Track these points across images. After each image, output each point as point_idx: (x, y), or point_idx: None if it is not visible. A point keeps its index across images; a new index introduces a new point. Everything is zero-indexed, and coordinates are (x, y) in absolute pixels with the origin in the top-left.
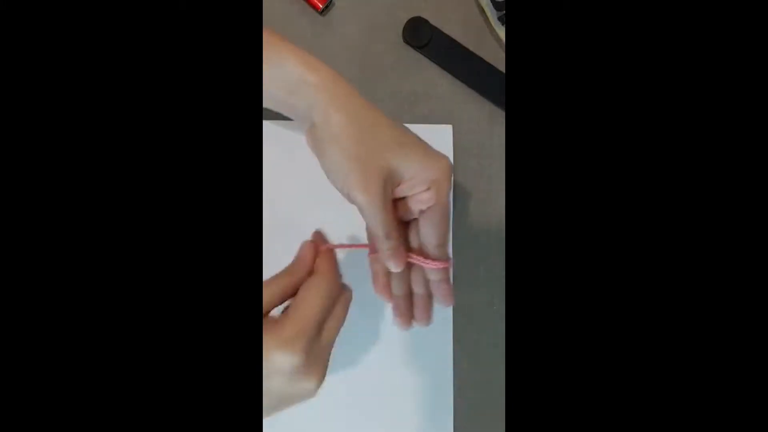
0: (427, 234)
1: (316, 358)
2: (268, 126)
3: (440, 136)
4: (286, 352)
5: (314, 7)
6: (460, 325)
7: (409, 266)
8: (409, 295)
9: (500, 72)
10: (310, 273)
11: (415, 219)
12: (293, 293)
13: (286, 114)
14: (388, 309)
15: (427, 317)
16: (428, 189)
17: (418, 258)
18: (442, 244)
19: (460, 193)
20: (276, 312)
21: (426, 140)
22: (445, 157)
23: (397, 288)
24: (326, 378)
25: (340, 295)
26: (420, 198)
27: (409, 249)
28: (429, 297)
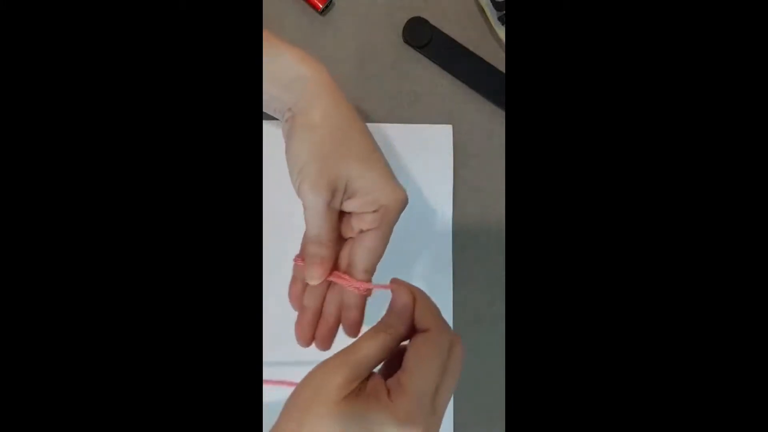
0: (358, 255)
1: (435, 423)
2: (268, 126)
3: (440, 136)
4: (404, 428)
5: (314, 7)
6: (460, 325)
7: (328, 285)
8: (318, 312)
9: (500, 72)
10: (411, 326)
11: (352, 238)
12: (395, 350)
13: (272, 113)
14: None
15: (328, 342)
16: (375, 212)
17: (341, 275)
18: (368, 271)
19: (460, 193)
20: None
21: (426, 140)
22: (403, 192)
23: (309, 300)
24: None
25: (452, 348)
26: (364, 218)
27: (335, 267)
28: (336, 322)
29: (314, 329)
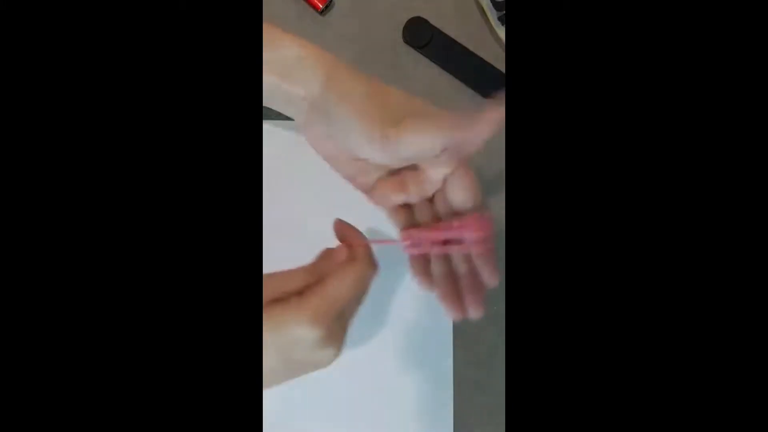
0: (456, 200)
1: (339, 331)
2: (268, 126)
3: None
4: (311, 326)
5: (314, 7)
6: (460, 325)
7: (445, 251)
8: (453, 278)
9: (500, 72)
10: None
11: (440, 191)
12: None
13: (277, 107)
14: (389, 309)
15: (480, 302)
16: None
17: (452, 225)
18: (478, 207)
19: None
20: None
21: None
22: (462, 115)
23: (438, 270)
24: (326, 377)
25: (371, 278)
26: (436, 163)
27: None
28: (476, 277)
29: (461, 299)
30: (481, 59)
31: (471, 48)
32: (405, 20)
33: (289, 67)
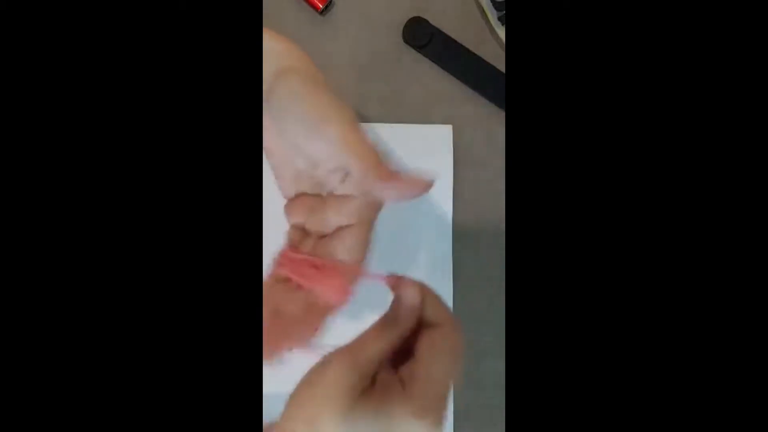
0: (339, 253)
1: (443, 410)
2: None
3: (440, 136)
4: (420, 420)
5: (314, 7)
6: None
7: (301, 286)
8: (284, 312)
9: (500, 72)
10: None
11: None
12: (400, 344)
13: None
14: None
15: (279, 353)
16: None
17: (319, 275)
18: (354, 270)
19: (460, 193)
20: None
21: (426, 140)
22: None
23: (281, 298)
24: None
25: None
26: (340, 208)
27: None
28: (301, 331)
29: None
30: (481, 59)
31: (471, 48)
32: (405, 20)
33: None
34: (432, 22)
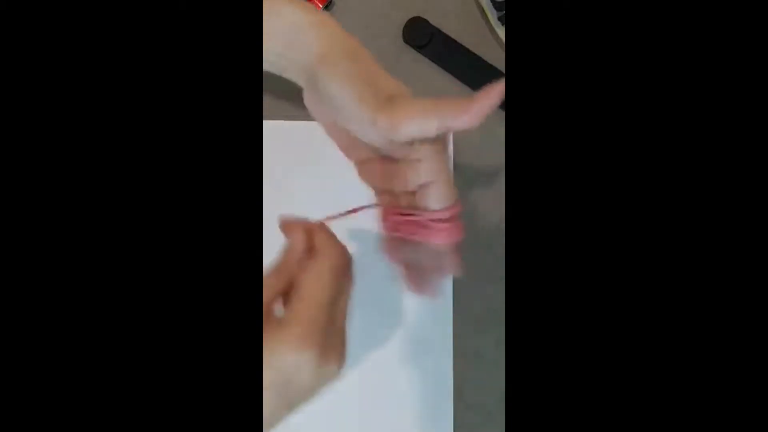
0: (431, 207)
1: (333, 342)
2: (268, 125)
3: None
4: (300, 351)
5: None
6: (460, 325)
7: (415, 240)
8: (419, 264)
9: (500, 72)
10: (307, 252)
11: (421, 190)
12: (291, 281)
13: (280, 72)
14: (387, 308)
15: (434, 290)
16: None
17: (426, 226)
18: (452, 216)
19: (460, 193)
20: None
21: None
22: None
23: (408, 255)
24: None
25: (345, 267)
26: (418, 167)
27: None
28: (440, 269)
29: (421, 280)
30: (481, 59)
31: (471, 48)
32: (405, 20)
33: (287, 35)
34: (432, 22)
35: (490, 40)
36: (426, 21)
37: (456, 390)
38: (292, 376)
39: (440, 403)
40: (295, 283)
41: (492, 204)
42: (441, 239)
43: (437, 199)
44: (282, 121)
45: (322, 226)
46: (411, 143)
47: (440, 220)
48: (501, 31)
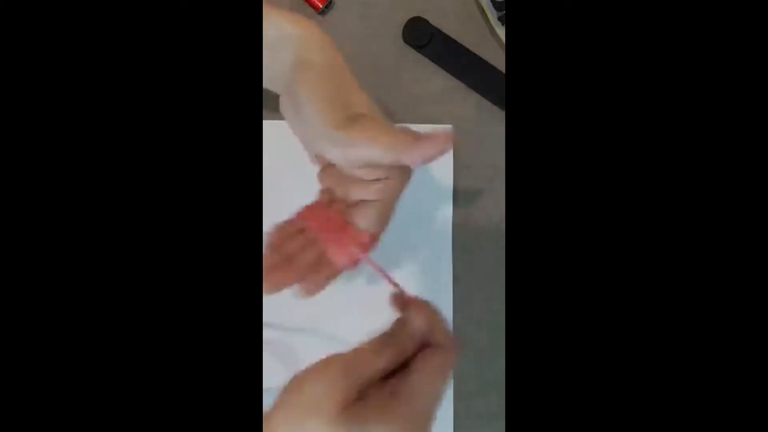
0: (359, 223)
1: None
2: (268, 125)
3: None
4: None
5: (314, 7)
6: (460, 325)
7: (318, 240)
8: (295, 255)
9: (500, 72)
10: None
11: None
12: (401, 361)
13: (266, 84)
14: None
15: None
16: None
17: (339, 232)
18: (370, 238)
19: (460, 193)
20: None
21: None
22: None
23: (298, 242)
24: None
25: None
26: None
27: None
28: (311, 277)
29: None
30: (481, 59)
31: (471, 48)
32: (405, 20)
33: (269, 46)
34: (432, 22)
35: (490, 40)
36: (426, 21)
37: (456, 390)
38: None
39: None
40: (410, 370)
41: (492, 204)
42: (340, 254)
43: (367, 219)
44: (282, 121)
45: (435, 315)
46: (368, 167)
47: (353, 239)
48: (501, 31)
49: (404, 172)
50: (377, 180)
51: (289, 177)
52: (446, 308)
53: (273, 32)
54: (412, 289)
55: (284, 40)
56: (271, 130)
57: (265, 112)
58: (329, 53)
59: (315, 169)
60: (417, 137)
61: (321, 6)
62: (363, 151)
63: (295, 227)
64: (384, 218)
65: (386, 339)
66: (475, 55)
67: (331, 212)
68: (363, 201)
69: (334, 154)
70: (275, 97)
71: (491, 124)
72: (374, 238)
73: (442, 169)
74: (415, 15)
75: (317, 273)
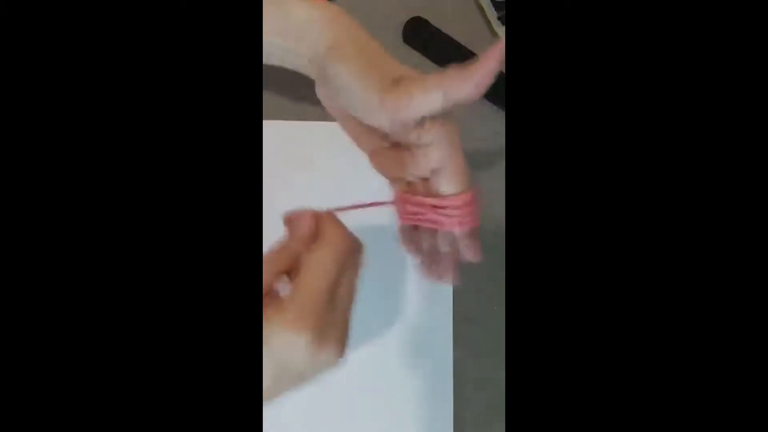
0: (445, 190)
1: (332, 329)
2: (268, 125)
3: None
4: (295, 332)
5: None
6: (460, 325)
7: (433, 228)
8: (437, 251)
9: (500, 72)
10: (313, 239)
11: (434, 175)
12: (295, 263)
13: (290, 66)
14: (386, 307)
15: (457, 273)
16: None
17: (443, 211)
18: (467, 196)
19: None
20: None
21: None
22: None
23: (425, 243)
24: (324, 379)
25: (350, 255)
26: (428, 151)
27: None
28: (457, 254)
29: (439, 268)
30: None
31: (471, 48)
32: (405, 20)
33: (297, 31)
34: (432, 22)
35: (490, 40)
36: (426, 21)
37: (456, 390)
38: (285, 355)
39: (440, 402)
40: (299, 266)
41: (492, 204)
42: (455, 226)
43: (449, 183)
44: (282, 121)
45: (329, 214)
46: (421, 126)
47: (454, 207)
48: (501, 31)
49: (455, 128)
50: (435, 145)
51: (289, 177)
52: (446, 308)
53: (301, 17)
54: (411, 289)
55: (312, 24)
56: (271, 130)
57: (265, 113)
58: (355, 29)
59: (351, 168)
60: (464, 67)
61: None
62: (417, 104)
63: (409, 228)
64: (463, 174)
65: (278, 246)
66: (475, 55)
67: (416, 200)
68: (434, 171)
69: (388, 121)
70: (275, 97)
71: (491, 124)
72: (470, 192)
73: None
74: (415, 15)
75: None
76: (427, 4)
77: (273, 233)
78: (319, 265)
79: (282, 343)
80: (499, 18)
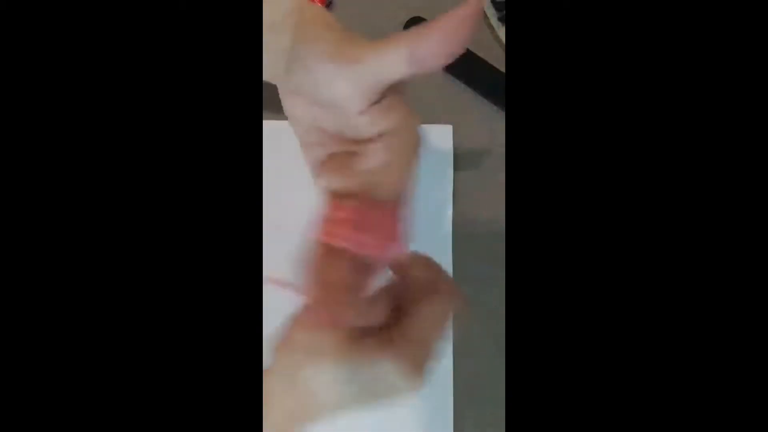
0: (382, 195)
1: (426, 368)
2: (268, 125)
3: (440, 136)
4: (406, 377)
5: None
6: (461, 323)
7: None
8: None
9: (500, 72)
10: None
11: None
12: (401, 306)
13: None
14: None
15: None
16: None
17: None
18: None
19: (460, 193)
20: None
21: (426, 140)
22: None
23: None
24: None
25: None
26: (375, 150)
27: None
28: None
29: None
30: (481, 59)
31: (471, 48)
32: (405, 20)
33: (269, 21)
34: None
35: (490, 40)
36: (426, 21)
37: (456, 390)
38: (378, 383)
39: (440, 403)
40: (411, 312)
41: (492, 204)
42: (376, 251)
43: (390, 183)
44: (282, 121)
45: (441, 270)
46: (379, 106)
47: (381, 228)
48: (501, 31)
49: (413, 123)
50: (387, 136)
51: (289, 177)
52: None
53: (276, 15)
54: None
55: (285, 21)
56: (271, 130)
57: (265, 113)
58: (326, 15)
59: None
60: (430, 25)
61: (321, 6)
62: (378, 62)
63: (322, 249)
64: (403, 180)
65: (382, 292)
66: (475, 55)
67: (346, 212)
68: (378, 170)
69: (347, 90)
70: (276, 97)
71: (491, 124)
72: (402, 210)
73: (442, 169)
74: (415, 15)
75: (356, 289)
76: (427, 4)
77: (273, 234)
78: (440, 322)
79: (382, 376)
80: (499, 18)
